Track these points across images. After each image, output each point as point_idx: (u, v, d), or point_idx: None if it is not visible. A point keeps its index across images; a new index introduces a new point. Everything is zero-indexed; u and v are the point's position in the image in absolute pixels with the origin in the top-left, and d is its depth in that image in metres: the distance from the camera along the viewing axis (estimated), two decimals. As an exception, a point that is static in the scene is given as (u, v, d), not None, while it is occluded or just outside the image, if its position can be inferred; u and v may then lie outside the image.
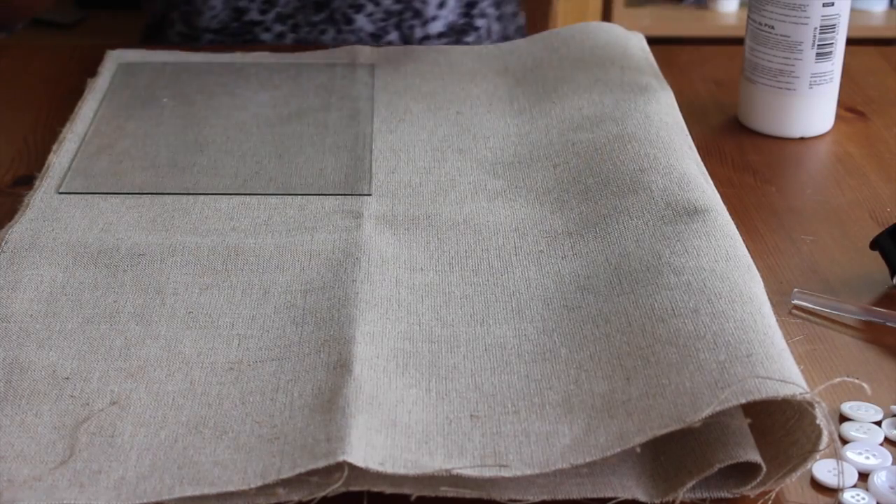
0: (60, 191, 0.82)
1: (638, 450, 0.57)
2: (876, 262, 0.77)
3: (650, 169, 0.80)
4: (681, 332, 0.62)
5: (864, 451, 0.61)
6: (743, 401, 0.56)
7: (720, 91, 1.05)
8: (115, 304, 0.70)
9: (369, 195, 0.81)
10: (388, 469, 0.55)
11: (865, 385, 0.64)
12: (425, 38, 1.14)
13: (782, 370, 0.58)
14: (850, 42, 0.97)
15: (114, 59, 1.04)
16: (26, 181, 0.85)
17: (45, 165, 0.85)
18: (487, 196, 0.82)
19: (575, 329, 0.66)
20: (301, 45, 1.13)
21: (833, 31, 0.93)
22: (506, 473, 0.56)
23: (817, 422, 0.57)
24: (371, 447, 0.56)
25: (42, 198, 0.81)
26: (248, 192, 0.82)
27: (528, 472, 0.56)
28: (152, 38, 1.21)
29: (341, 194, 0.81)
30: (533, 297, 0.70)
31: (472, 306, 0.70)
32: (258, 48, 1.11)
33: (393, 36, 1.13)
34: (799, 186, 0.90)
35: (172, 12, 1.16)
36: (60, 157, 0.86)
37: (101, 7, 2.32)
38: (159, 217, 0.79)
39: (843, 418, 0.64)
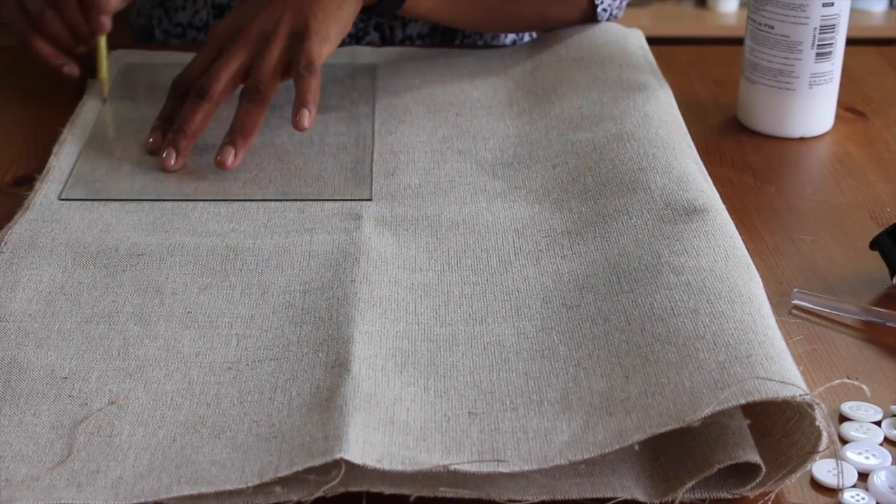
0: (61, 197, 0.81)
1: (637, 448, 0.57)
2: (876, 262, 0.77)
3: (649, 168, 0.80)
4: (680, 331, 0.62)
5: (864, 451, 0.61)
6: (743, 401, 0.56)
7: (720, 91, 1.05)
8: (113, 303, 0.70)
9: (369, 200, 0.81)
10: (386, 466, 0.55)
11: (865, 387, 0.64)
12: (406, 39, 1.13)
13: (782, 371, 0.58)
14: (850, 42, 0.97)
15: (114, 60, 1.04)
16: (26, 181, 0.85)
17: (46, 169, 0.85)
18: (487, 196, 0.81)
19: (574, 327, 0.66)
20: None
21: (833, 31, 0.93)
22: (503, 469, 0.56)
23: (817, 423, 0.57)
24: (369, 444, 0.56)
25: (42, 202, 0.80)
26: (248, 199, 0.82)
27: (526, 467, 0.56)
28: (142, 40, 1.20)
29: (341, 199, 0.81)
30: (532, 295, 0.70)
31: (471, 305, 0.70)
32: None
33: (373, 37, 1.13)
34: (799, 186, 0.90)
35: (157, 10, 1.16)
36: (61, 161, 0.86)
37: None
38: (159, 220, 0.79)
39: (843, 418, 0.64)
